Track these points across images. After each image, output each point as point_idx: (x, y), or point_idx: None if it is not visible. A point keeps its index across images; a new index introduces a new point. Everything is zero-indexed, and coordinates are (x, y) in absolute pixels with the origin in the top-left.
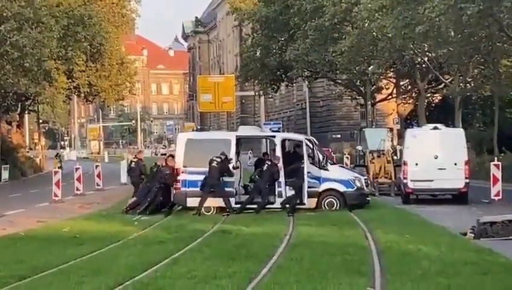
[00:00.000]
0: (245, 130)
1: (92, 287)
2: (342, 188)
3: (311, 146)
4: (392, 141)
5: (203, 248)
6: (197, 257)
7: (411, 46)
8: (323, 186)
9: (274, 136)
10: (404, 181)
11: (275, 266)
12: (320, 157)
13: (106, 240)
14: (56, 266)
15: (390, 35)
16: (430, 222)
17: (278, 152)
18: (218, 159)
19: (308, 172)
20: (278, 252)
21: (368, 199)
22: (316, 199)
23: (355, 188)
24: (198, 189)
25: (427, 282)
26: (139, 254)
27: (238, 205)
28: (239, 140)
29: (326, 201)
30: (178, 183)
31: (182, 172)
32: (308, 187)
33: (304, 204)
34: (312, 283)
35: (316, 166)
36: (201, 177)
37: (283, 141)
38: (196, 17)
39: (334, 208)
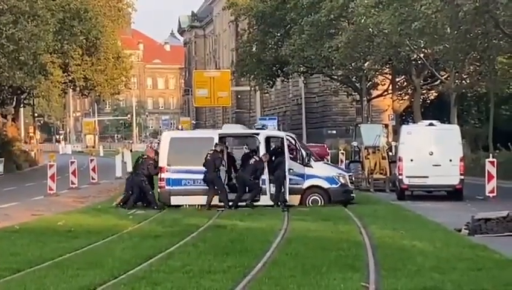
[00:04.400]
0: (228, 128)
1: (87, 280)
2: (326, 184)
3: (294, 143)
4: (387, 137)
5: (197, 242)
6: (191, 252)
7: (407, 42)
8: (307, 183)
9: (258, 134)
10: (399, 177)
11: (269, 261)
12: (304, 154)
13: (101, 233)
14: (51, 259)
15: (386, 31)
16: (424, 218)
17: (262, 150)
18: (211, 152)
19: (291, 169)
20: (273, 247)
21: (352, 195)
22: (300, 196)
23: (340, 184)
24: (182, 187)
25: (422, 277)
26: (133, 248)
27: (222, 203)
28: (222, 138)
29: (311, 198)
30: (162, 182)
31: (166, 171)
32: (292, 184)
33: (286, 201)
34: (306, 278)
35: (300, 163)
36: (185, 175)
37: (267, 139)
38: (192, 12)
39: (319, 205)
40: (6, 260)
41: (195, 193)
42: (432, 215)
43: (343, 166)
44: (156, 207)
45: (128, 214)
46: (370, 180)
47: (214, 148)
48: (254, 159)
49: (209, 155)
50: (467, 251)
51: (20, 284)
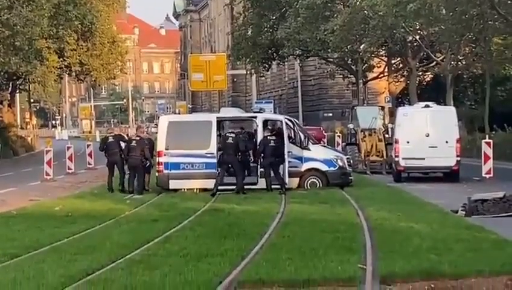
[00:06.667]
0: (226, 112)
1: (84, 265)
2: (324, 167)
3: (292, 126)
4: (383, 119)
5: (195, 226)
6: (189, 235)
7: (403, 24)
8: (305, 166)
9: (255, 117)
10: (396, 159)
11: (266, 244)
12: (302, 137)
13: (98, 218)
14: (48, 244)
15: (381, 13)
16: (421, 199)
17: (260, 133)
18: (233, 135)
19: (289, 152)
20: (270, 230)
21: (350, 177)
22: (299, 179)
23: (338, 167)
24: (180, 171)
25: (419, 259)
26: (131, 232)
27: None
28: (220, 122)
29: (309, 181)
30: (161, 166)
31: (164, 154)
32: (291, 167)
33: (285, 184)
34: (303, 260)
35: (298, 146)
36: (184, 159)
37: (265, 122)
38: None
39: (317, 187)
40: (4, 246)
41: (193, 177)
42: (429, 196)
43: (339, 148)
44: (140, 193)
45: (125, 199)
46: (366, 162)
47: (235, 131)
48: (243, 138)
49: (230, 139)
50: (464, 232)
51: (17, 269)
